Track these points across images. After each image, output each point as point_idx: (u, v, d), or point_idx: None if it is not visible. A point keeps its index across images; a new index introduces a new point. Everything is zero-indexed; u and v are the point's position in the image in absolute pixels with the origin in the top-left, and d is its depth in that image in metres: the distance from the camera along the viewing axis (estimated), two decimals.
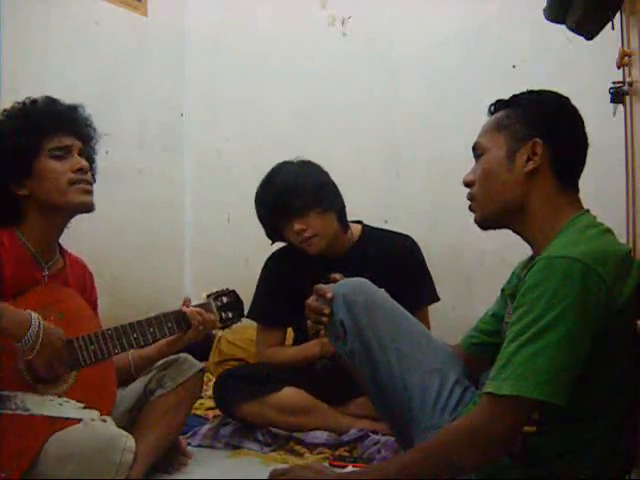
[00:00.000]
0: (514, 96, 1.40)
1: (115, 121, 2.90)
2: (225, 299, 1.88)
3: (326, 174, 2.21)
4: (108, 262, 2.79)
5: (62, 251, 1.74)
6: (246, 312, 2.28)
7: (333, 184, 2.21)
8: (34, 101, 1.69)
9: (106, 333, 1.63)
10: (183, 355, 1.84)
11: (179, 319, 1.75)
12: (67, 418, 1.47)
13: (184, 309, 1.76)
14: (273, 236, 2.22)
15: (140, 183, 3.08)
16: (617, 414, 1.25)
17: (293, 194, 2.09)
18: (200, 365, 1.85)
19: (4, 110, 1.70)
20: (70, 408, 1.50)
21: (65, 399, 1.52)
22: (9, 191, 1.62)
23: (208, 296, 1.87)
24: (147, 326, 1.69)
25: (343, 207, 2.21)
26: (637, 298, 1.23)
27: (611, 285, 1.17)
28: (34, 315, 1.44)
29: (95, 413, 1.51)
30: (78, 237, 2.41)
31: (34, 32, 2.53)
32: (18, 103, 1.69)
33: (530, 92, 1.40)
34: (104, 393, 1.61)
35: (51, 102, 1.70)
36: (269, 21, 3.24)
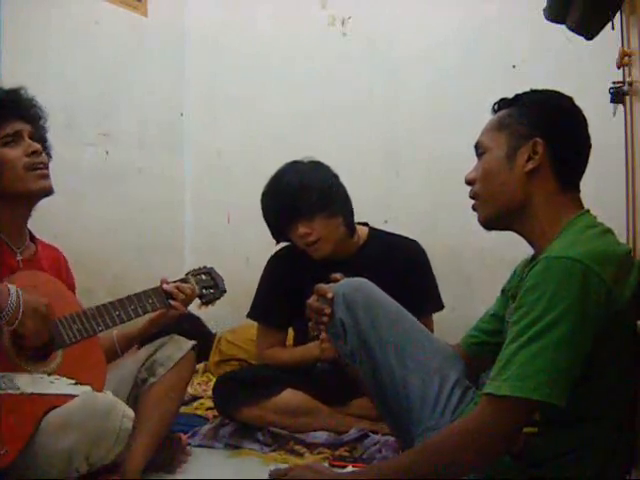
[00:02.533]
0: (517, 95, 1.39)
1: (115, 121, 2.91)
2: (204, 277, 1.90)
3: (335, 176, 2.18)
4: (108, 262, 2.79)
5: (32, 238, 1.74)
6: (247, 312, 2.29)
7: (342, 187, 2.18)
8: None
9: (88, 312, 1.64)
10: (171, 337, 1.84)
11: (159, 295, 1.77)
12: (59, 394, 1.47)
13: (164, 286, 1.79)
14: (278, 237, 2.20)
15: (140, 183, 3.08)
16: (617, 414, 1.25)
17: (299, 196, 2.06)
18: (190, 344, 1.84)
19: None
20: (62, 385, 1.50)
21: (55, 377, 1.52)
22: None
23: (187, 274, 1.90)
24: (128, 303, 1.71)
25: (351, 211, 2.18)
26: (637, 298, 1.23)
27: (611, 285, 1.17)
28: (11, 286, 1.43)
29: (87, 388, 1.51)
30: (78, 237, 2.42)
31: (34, 32, 2.53)
32: None
33: (533, 91, 1.39)
34: (94, 370, 1.61)
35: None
36: (269, 21, 3.24)
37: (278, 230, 2.17)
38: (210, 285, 1.90)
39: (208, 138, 3.39)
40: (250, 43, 3.26)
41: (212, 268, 1.94)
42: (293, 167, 2.15)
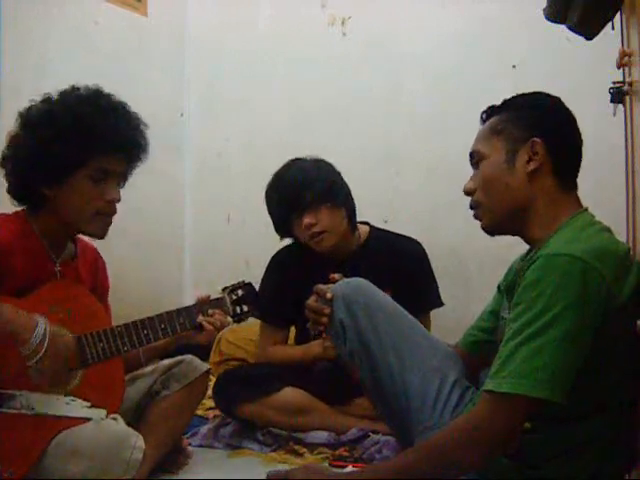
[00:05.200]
0: (505, 101, 1.40)
1: None
2: (240, 292, 1.85)
3: (338, 172, 2.20)
4: (108, 262, 2.77)
5: (73, 239, 1.71)
6: None
7: (345, 183, 2.19)
8: (102, 103, 1.58)
9: (115, 330, 1.60)
10: (189, 357, 1.83)
11: (191, 315, 1.72)
12: (73, 417, 1.46)
13: (199, 319, 1.72)
14: (282, 231, 2.19)
15: (140, 183, 3.06)
16: (616, 413, 1.25)
17: (304, 187, 2.06)
18: (205, 367, 1.84)
19: (72, 88, 1.60)
20: (76, 407, 1.48)
21: (71, 398, 1.50)
22: (35, 185, 1.56)
23: (223, 290, 1.84)
24: (158, 322, 1.66)
25: (353, 207, 2.19)
26: (637, 297, 1.23)
27: (611, 282, 1.17)
28: (41, 320, 1.42)
29: (102, 412, 1.50)
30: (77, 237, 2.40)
31: (34, 32, 2.53)
32: (84, 90, 1.60)
33: (521, 95, 1.40)
34: (111, 392, 1.59)
35: (122, 112, 1.61)
36: (269, 21, 3.24)
37: (283, 223, 2.16)
38: (245, 301, 1.84)
39: (208, 138, 3.39)
40: (250, 43, 3.27)
41: (250, 283, 1.88)
42: (297, 163, 2.17)
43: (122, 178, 1.66)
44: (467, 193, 1.40)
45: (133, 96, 3.16)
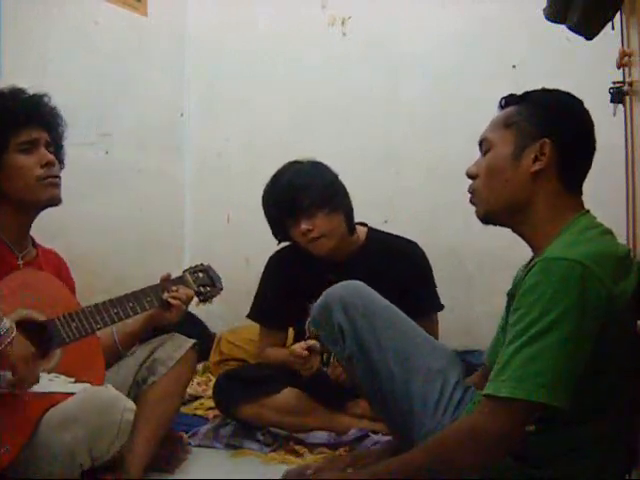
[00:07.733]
0: (526, 93, 1.37)
1: (115, 121, 2.91)
2: (201, 274, 1.92)
3: (335, 175, 2.18)
4: (108, 262, 2.79)
5: (34, 243, 1.75)
6: (247, 313, 2.29)
7: (342, 185, 2.18)
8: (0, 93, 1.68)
9: (86, 310, 1.65)
10: (171, 335, 1.85)
11: (158, 293, 1.79)
12: (58, 393, 1.47)
13: (165, 296, 1.79)
14: (279, 235, 2.19)
15: (140, 183, 3.07)
16: (617, 414, 1.25)
17: (301, 192, 2.05)
18: (190, 342, 1.85)
19: None
20: (61, 383, 1.50)
21: (55, 375, 1.52)
22: None
23: (184, 271, 1.91)
24: (126, 301, 1.72)
25: (351, 209, 2.18)
26: (637, 299, 1.23)
27: (610, 286, 1.17)
28: (6, 319, 1.39)
29: (86, 386, 1.51)
30: (78, 236, 2.42)
31: (34, 32, 2.53)
32: None
33: (544, 90, 1.37)
34: (93, 368, 1.62)
35: (16, 94, 1.69)
36: (269, 21, 3.24)
37: (280, 228, 2.15)
38: (207, 283, 1.92)
39: (208, 138, 3.39)
40: (250, 43, 3.26)
41: (209, 265, 1.96)
42: (293, 166, 2.16)
43: (49, 145, 1.69)
44: (469, 176, 1.38)
45: (133, 96, 3.18)
